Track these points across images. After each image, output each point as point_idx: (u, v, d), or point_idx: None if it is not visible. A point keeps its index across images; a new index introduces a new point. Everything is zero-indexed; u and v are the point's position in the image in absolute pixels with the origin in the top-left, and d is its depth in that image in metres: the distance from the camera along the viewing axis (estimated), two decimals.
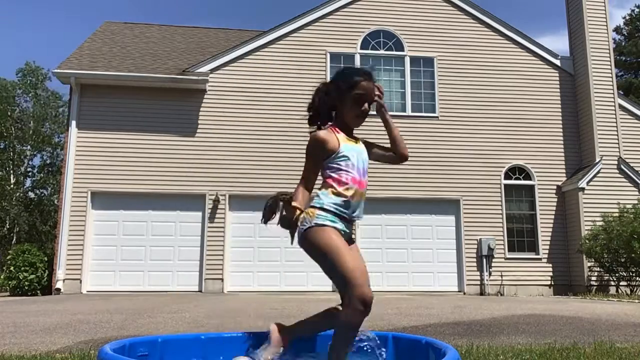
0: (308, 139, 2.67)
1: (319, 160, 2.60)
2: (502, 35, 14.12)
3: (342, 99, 2.64)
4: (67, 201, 11.89)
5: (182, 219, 12.30)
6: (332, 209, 2.50)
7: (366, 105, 2.63)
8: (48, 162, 32.15)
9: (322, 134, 2.61)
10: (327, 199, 2.53)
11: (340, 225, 2.51)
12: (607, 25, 13.91)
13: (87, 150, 12.24)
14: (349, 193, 2.55)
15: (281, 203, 2.62)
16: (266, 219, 2.65)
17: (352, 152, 2.61)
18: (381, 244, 12.71)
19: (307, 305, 7.46)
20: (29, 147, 31.20)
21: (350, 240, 2.57)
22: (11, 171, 30.20)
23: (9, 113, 29.65)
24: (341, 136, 2.62)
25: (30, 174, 32.14)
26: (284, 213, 2.63)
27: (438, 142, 13.19)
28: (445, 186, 12.99)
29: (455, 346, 3.62)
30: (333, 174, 2.57)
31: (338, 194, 2.53)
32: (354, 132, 2.74)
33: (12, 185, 29.56)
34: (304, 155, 2.68)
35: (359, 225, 12.62)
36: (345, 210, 2.53)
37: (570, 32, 14.40)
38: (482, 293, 12.51)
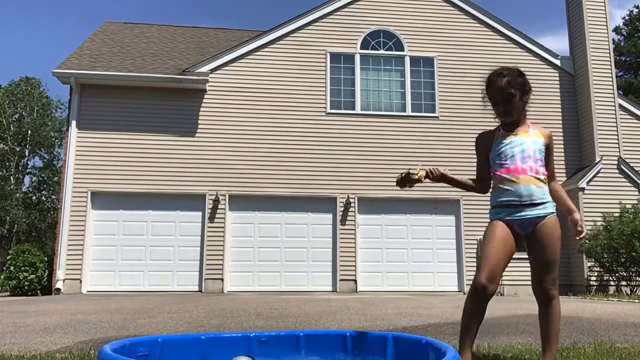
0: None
1: (479, 156, 2.93)
2: (502, 35, 14.13)
3: (490, 104, 2.91)
4: (67, 201, 11.89)
5: (182, 219, 12.30)
6: (494, 204, 2.82)
7: (503, 105, 2.82)
8: (47, 162, 32.15)
9: (479, 135, 2.95)
10: (492, 195, 2.85)
11: (505, 215, 2.75)
12: (607, 25, 13.91)
13: (87, 150, 12.24)
14: (503, 183, 2.77)
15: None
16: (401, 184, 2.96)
17: (504, 144, 2.82)
18: (381, 244, 12.71)
19: (307, 305, 7.46)
20: (28, 146, 31.21)
21: (527, 225, 2.74)
22: (11, 171, 30.20)
23: (8, 116, 29.69)
24: (500, 133, 2.87)
25: (30, 174, 32.18)
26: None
27: (438, 142, 13.20)
28: (445, 186, 12.94)
29: (455, 346, 3.62)
30: (492, 171, 2.85)
31: (495, 188, 2.82)
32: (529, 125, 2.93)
33: (12, 186, 29.56)
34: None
35: (359, 225, 12.65)
36: (506, 199, 2.76)
37: (570, 32, 14.41)
38: None
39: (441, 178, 2.91)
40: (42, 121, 31.22)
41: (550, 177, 2.90)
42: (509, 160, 2.76)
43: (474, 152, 3.03)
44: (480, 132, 2.99)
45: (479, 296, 2.61)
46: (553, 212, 2.76)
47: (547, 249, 2.70)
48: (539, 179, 2.75)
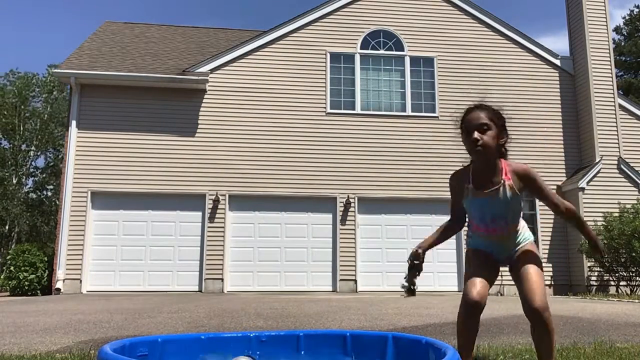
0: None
1: (454, 196, 2.84)
2: (502, 35, 14.12)
3: (462, 138, 2.76)
4: (67, 201, 11.89)
5: (182, 219, 12.30)
6: (472, 236, 2.86)
7: (475, 134, 2.63)
8: (51, 163, 32.08)
9: (452, 177, 2.84)
10: (469, 228, 2.86)
11: (482, 243, 2.79)
12: (607, 25, 13.91)
13: (87, 150, 12.24)
14: (478, 234, 2.80)
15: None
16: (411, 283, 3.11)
17: (473, 204, 2.73)
18: (381, 244, 12.71)
19: (307, 305, 7.46)
20: (33, 147, 31.16)
21: (499, 255, 2.78)
22: (13, 171, 30.16)
23: (21, 110, 29.62)
24: (470, 188, 2.72)
25: (33, 174, 32.10)
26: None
27: (438, 142, 13.19)
28: (445, 186, 12.93)
29: (455, 346, 3.61)
30: (467, 217, 2.86)
31: (471, 231, 2.85)
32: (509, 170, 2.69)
33: (14, 186, 29.53)
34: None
35: (359, 225, 12.64)
36: (482, 247, 2.80)
37: (570, 32, 14.40)
38: None
39: (427, 249, 2.90)
40: (52, 115, 31.08)
41: (556, 204, 2.69)
42: (480, 221, 2.73)
43: None
44: (452, 173, 2.86)
45: (472, 312, 2.59)
46: (530, 238, 2.77)
47: (531, 269, 2.63)
48: (511, 231, 2.72)
